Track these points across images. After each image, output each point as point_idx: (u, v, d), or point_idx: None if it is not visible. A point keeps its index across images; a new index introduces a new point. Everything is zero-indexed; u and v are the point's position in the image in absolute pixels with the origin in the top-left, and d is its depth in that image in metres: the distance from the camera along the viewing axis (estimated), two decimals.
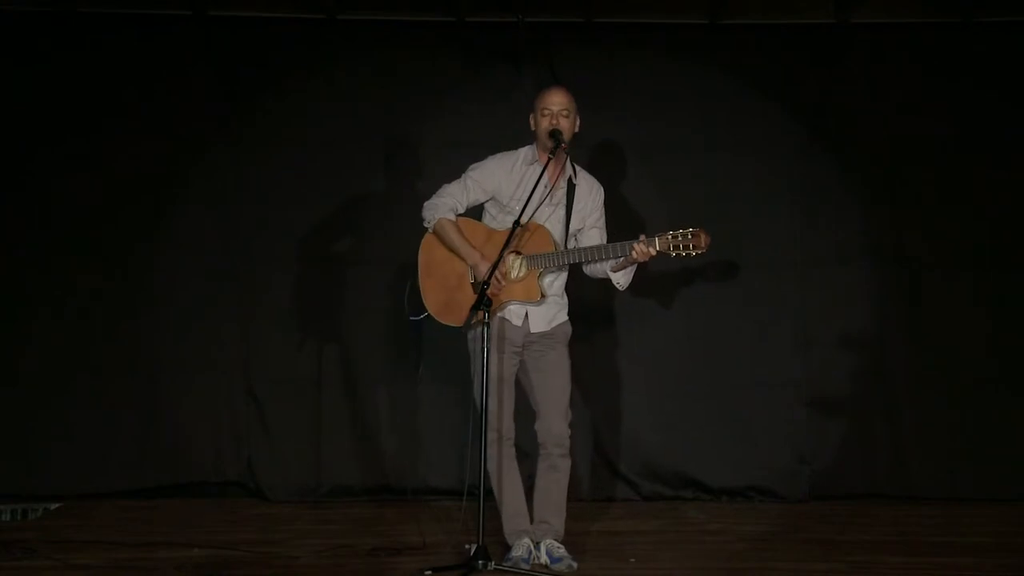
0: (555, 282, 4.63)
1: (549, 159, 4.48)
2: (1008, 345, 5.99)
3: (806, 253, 6.07)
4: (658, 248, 4.35)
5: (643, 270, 5.81)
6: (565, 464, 4.61)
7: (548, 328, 4.60)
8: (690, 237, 4.32)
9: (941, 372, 6.00)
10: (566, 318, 4.68)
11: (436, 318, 4.60)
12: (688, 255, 4.35)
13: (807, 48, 6.08)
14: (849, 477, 5.99)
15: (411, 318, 4.65)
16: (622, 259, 4.46)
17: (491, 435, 4.52)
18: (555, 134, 4.45)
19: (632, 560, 4.70)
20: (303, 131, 6.06)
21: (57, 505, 5.70)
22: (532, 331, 4.58)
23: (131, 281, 6.02)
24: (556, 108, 4.50)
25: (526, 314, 4.58)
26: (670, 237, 4.34)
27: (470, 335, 4.56)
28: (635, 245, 4.37)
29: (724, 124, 6.08)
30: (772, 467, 5.99)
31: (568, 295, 4.72)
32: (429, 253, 4.67)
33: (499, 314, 4.56)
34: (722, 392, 6.02)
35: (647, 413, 6.05)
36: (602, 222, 4.68)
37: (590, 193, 4.65)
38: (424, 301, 4.64)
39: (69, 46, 6.03)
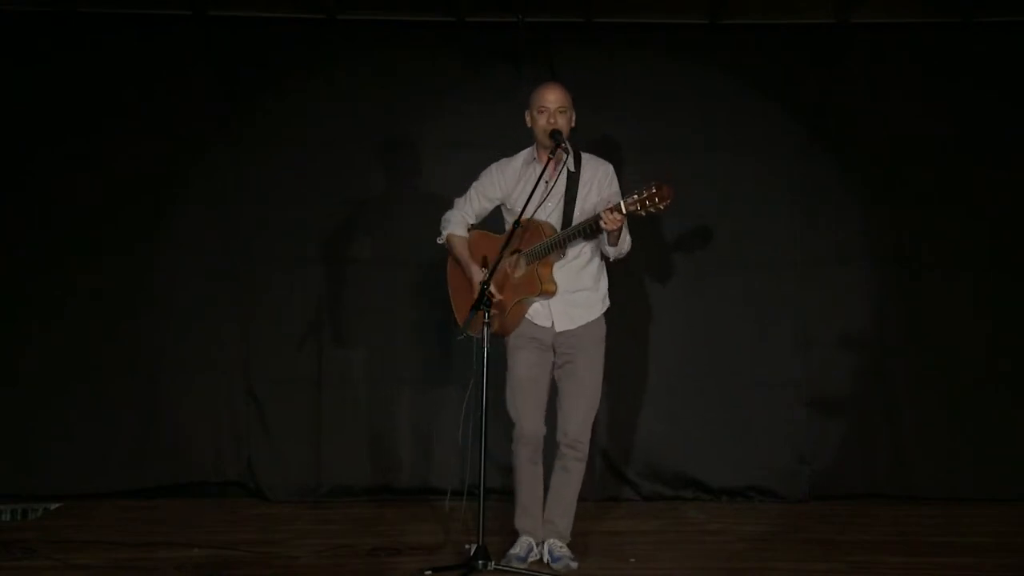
0: (581, 273, 4.57)
1: (549, 159, 4.48)
2: (1008, 345, 5.99)
3: (806, 253, 6.07)
4: (624, 211, 4.30)
5: (641, 268, 5.88)
6: (578, 468, 4.62)
7: (574, 327, 4.56)
8: (653, 191, 4.26)
9: (941, 372, 6.00)
10: (598, 315, 4.62)
11: (472, 333, 4.56)
12: (658, 210, 4.28)
13: (807, 48, 6.07)
14: (849, 477, 5.99)
15: (458, 338, 4.65)
16: (606, 234, 4.42)
17: (513, 434, 4.57)
18: (555, 135, 4.45)
19: (632, 560, 4.71)
20: (303, 131, 6.06)
21: (57, 505, 5.70)
22: (559, 330, 4.56)
23: (131, 281, 6.02)
24: (552, 106, 4.49)
25: (552, 316, 4.55)
26: (636, 197, 4.28)
27: (506, 339, 4.58)
28: (603, 214, 4.32)
29: (724, 124, 6.08)
30: (772, 467, 5.99)
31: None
32: (451, 272, 4.76)
33: (528, 316, 4.57)
34: (722, 392, 6.02)
35: (647, 413, 6.05)
36: (619, 198, 4.58)
37: (595, 175, 4.60)
38: (457, 318, 4.68)
39: (69, 46, 6.03)
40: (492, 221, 4.76)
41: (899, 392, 6.03)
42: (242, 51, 6.08)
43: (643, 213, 4.30)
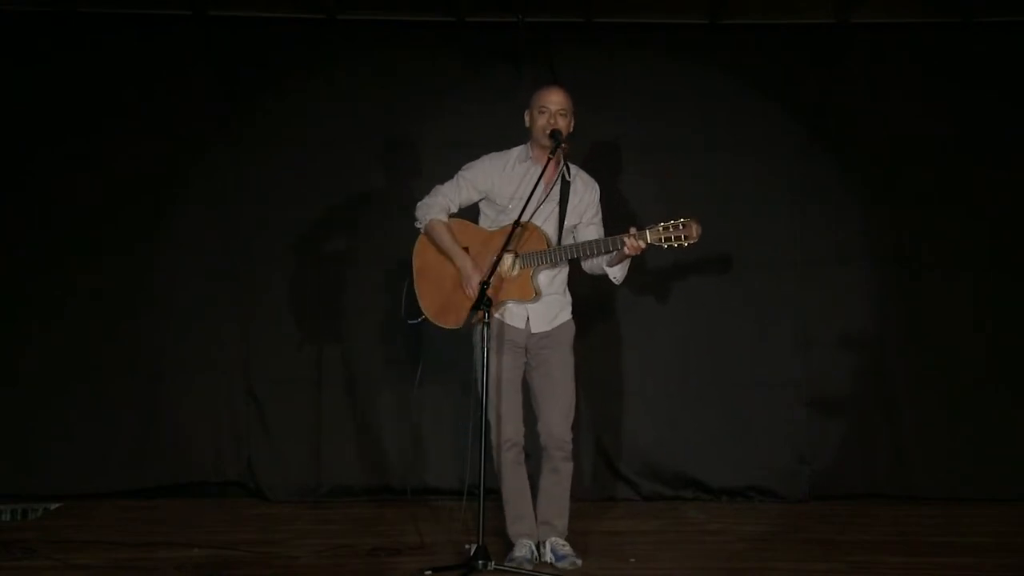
0: (555, 279, 4.61)
1: (549, 159, 4.48)
2: (1008, 345, 5.99)
3: (806, 253, 6.07)
4: (649, 240, 4.33)
5: (642, 269, 5.88)
6: (567, 467, 4.60)
7: (549, 328, 4.59)
8: (681, 228, 4.29)
9: (941, 372, 6.01)
10: (569, 317, 4.66)
11: (433, 321, 4.60)
12: (680, 246, 4.32)
13: (807, 48, 6.08)
14: (849, 477, 5.99)
15: (408, 322, 4.65)
16: (616, 253, 4.45)
17: (495, 439, 4.53)
18: (555, 135, 4.46)
19: (632, 560, 4.70)
20: (303, 131, 6.06)
21: (57, 505, 5.70)
22: (534, 331, 4.58)
23: (131, 281, 6.02)
24: (554, 107, 4.50)
25: (527, 316, 4.57)
26: (661, 229, 4.31)
27: (474, 337, 4.56)
28: (626, 239, 4.36)
29: (724, 124, 6.08)
30: (772, 467, 6.00)
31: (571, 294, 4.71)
32: (423, 255, 4.68)
33: (500, 317, 4.55)
34: (722, 392, 6.03)
35: (647, 413, 6.05)
36: (599, 219, 4.66)
37: (586, 190, 4.63)
38: (420, 304, 4.63)
39: (69, 46, 6.03)
40: (468, 214, 4.74)
41: (899, 392, 6.03)
42: (242, 51, 6.08)
43: (664, 246, 4.34)
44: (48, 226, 6.00)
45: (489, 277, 4.37)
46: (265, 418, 6.04)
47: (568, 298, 4.69)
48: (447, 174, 4.69)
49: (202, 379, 6.04)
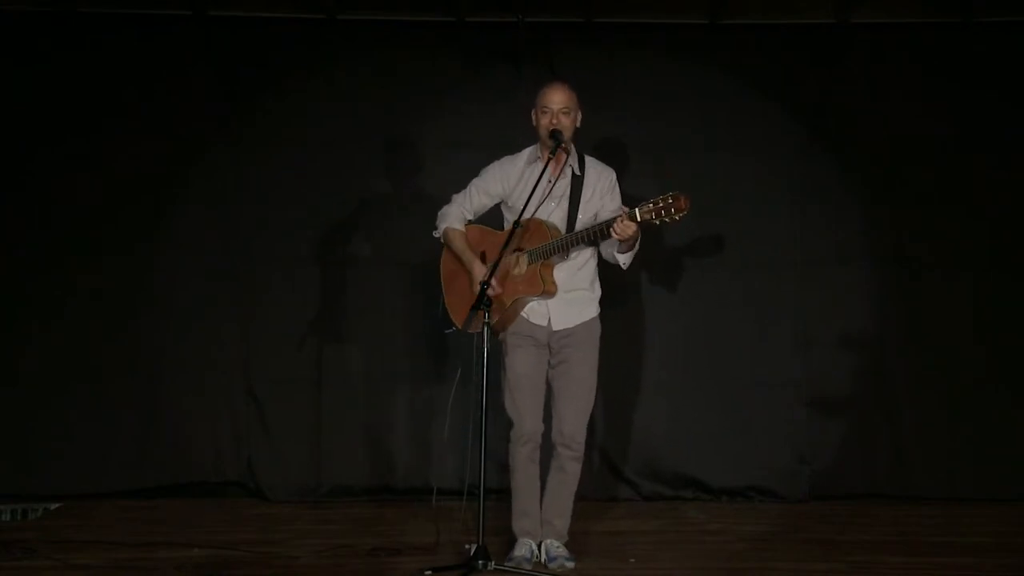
0: (577, 274, 4.57)
1: (549, 159, 4.48)
2: (1008, 345, 5.99)
3: (806, 253, 6.07)
4: (639, 219, 4.29)
5: (641, 267, 5.88)
6: (574, 467, 4.61)
7: (571, 325, 4.57)
8: (670, 202, 4.24)
9: (941, 372, 6.01)
10: (594, 315, 4.62)
11: (460, 328, 4.59)
12: (672, 220, 4.27)
13: (807, 48, 6.08)
14: (849, 477, 5.99)
15: (444, 332, 4.66)
16: (624, 241, 4.41)
17: (511, 433, 4.56)
18: (555, 135, 4.46)
19: (632, 560, 4.70)
20: (303, 131, 6.06)
21: (57, 505, 5.70)
22: (555, 329, 4.56)
23: (131, 281, 6.02)
24: (556, 106, 4.50)
25: (548, 313, 4.56)
26: (651, 206, 4.27)
27: (500, 337, 4.57)
28: (615, 224, 4.32)
29: (724, 124, 6.08)
30: (772, 467, 6.00)
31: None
32: (446, 265, 4.74)
33: (523, 315, 4.56)
34: (722, 392, 6.03)
35: (648, 413, 6.05)
36: (618, 204, 4.59)
37: (598, 180, 4.61)
38: (448, 312, 4.67)
39: (69, 46, 6.03)
40: (491, 219, 4.75)
41: (899, 392, 6.03)
42: (242, 51, 6.08)
43: (657, 223, 4.30)
44: (48, 226, 6.00)
45: (489, 278, 4.37)
46: (265, 418, 6.04)
47: (596, 293, 4.65)
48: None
49: (202, 379, 6.04)
